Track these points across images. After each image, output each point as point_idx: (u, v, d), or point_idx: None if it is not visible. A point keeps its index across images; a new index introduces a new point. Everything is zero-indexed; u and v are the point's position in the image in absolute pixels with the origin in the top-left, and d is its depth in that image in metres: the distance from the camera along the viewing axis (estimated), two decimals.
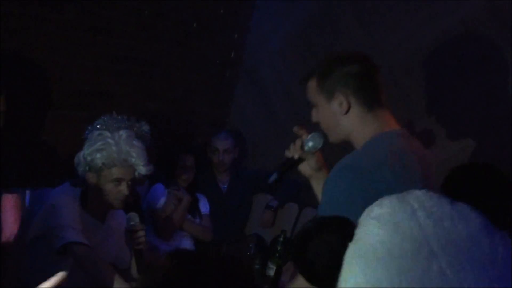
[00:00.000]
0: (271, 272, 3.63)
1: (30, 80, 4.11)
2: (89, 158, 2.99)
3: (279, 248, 3.70)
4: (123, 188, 3.01)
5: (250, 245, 3.76)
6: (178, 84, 5.12)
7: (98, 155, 2.97)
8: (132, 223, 3.03)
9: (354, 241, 1.15)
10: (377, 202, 1.17)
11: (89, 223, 3.06)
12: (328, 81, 2.17)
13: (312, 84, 2.23)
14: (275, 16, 5.43)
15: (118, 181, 3.00)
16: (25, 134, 4.13)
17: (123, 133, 3.05)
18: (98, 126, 3.26)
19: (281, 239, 3.74)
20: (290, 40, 5.37)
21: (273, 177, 2.47)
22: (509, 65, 4.20)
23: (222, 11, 5.23)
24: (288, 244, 4.16)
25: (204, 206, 4.70)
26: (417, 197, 1.13)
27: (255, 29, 5.53)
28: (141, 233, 3.03)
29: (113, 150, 2.97)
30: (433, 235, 1.07)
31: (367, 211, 1.17)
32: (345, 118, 2.17)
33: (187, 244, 4.48)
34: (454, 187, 1.19)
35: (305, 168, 2.48)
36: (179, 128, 5.24)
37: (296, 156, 2.43)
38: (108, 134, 3.03)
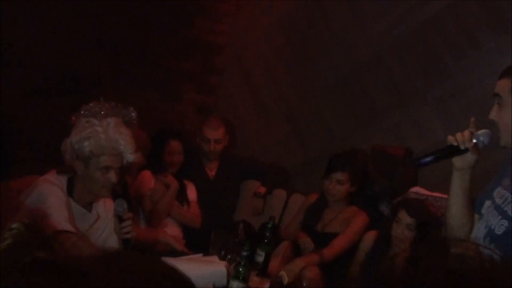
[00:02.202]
0: (260, 258, 3.62)
1: (18, 66, 4.06)
2: (76, 146, 2.96)
3: (267, 235, 3.69)
4: (111, 176, 2.98)
5: (239, 232, 3.74)
6: (165, 70, 5.09)
7: (86, 143, 2.93)
8: (119, 209, 3.00)
9: None
10: None
11: (76, 211, 3.04)
12: None
13: (506, 83, 2.18)
14: (263, 1, 5.39)
15: (106, 169, 2.97)
16: (12, 121, 4.09)
17: (111, 121, 3.02)
18: (85, 113, 3.22)
19: (270, 225, 3.74)
20: (278, 25, 5.35)
21: (428, 159, 2.36)
22: (496, 49, 4.21)
23: None
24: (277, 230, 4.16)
25: (191, 193, 4.68)
26: None
27: (243, 14, 5.50)
28: (128, 222, 3.00)
29: (101, 138, 2.94)
30: None
31: None
32: None
33: (175, 231, 4.46)
34: None
35: (458, 160, 2.36)
36: (167, 114, 5.21)
37: (463, 147, 2.32)
38: (96, 121, 3.00)
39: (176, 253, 3.80)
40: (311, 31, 5.14)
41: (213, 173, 5.00)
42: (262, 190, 4.95)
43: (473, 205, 2.43)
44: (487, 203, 2.31)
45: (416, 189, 4.07)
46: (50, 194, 2.94)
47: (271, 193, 5.02)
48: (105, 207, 3.17)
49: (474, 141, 2.31)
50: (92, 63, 4.51)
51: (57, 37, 4.24)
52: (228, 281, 3.07)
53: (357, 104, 4.90)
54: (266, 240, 3.66)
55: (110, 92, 4.50)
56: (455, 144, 2.33)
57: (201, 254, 3.47)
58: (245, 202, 5.06)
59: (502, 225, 2.19)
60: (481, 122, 4.17)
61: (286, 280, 3.45)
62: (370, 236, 3.87)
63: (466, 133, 2.32)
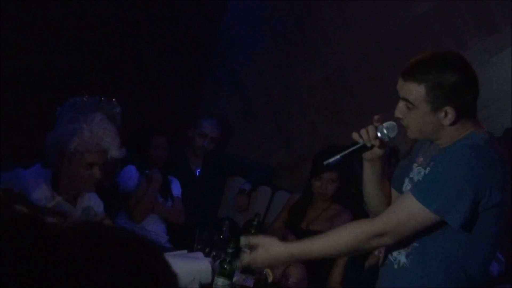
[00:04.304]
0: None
1: (2, 58, 4.02)
2: (61, 142, 2.93)
3: (252, 232, 3.68)
4: (95, 172, 2.96)
5: (224, 229, 3.73)
6: (150, 65, 5.06)
7: (71, 140, 2.91)
8: (88, 218, 2.95)
9: None
10: None
11: (61, 205, 3.01)
12: (438, 92, 2.16)
13: (419, 90, 2.18)
14: None
15: (91, 165, 2.95)
16: None
17: (95, 117, 2.99)
18: (69, 108, 3.17)
19: (255, 222, 3.72)
20: (264, 23, 5.33)
21: (336, 159, 2.37)
22: (483, 49, 4.23)
23: None
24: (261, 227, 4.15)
25: (176, 189, 4.66)
26: None
27: (228, 12, 5.48)
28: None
29: (86, 135, 2.91)
30: None
31: None
32: (444, 128, 2.21)
33: (159, 227, 4.44)
34: None
35: (368, 153, 2.39)
36: (152, 109, 5.19)
37: (369, 144, 2.33)
38: (80, 117, 2.97)
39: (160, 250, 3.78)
40: (298, 30, 5.14)
41: (198, 169, 4.99)
42: (247, 186, 4.95)
43: (389, 183, 2.51)
44: (406, 181, 2.38)
45: None
46: (34, 188, 2.91)
47: (256, 190, 5.02)
48: (90, 202, 3.15)
49: (379, 135, 2.32)
50: (77, 57, 4.48)
51: (38, 30, 4.19)
52: (213, 278, 3.05)
53: (343, 103, 4.90)
54: (251, 237, 3.65)
55: (94, 87, 4.47)
56: (361, 141, 2.34)
57: (185, 251, 3.45)
58: (230, 199, 5.06)
59: None
60: None
61: (270, 278, 3.44)
62: None
63: (371, 129, 2.33)
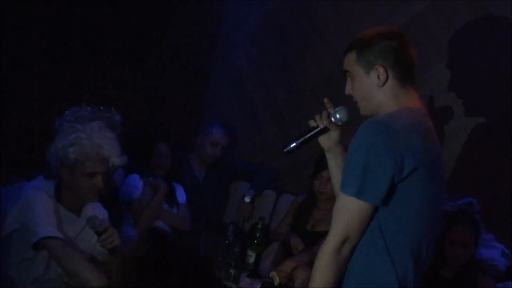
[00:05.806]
0: (251, 259, 3.62)
1: (2, 70, 4.03)
2: (61, 153, 2.93)
3: (257, 235, 3.69)
4: (98, 181, 2.96)
5: (229, 234, 3.73)
6: (151, 73, 5.07)
7: (71, 150, 2.90)
8: (92, 226, 2.93)
9: None
10: None
11: (65, 216, 3.01)
12: (368, 53, 2.30)
13: (351, 56, 2.34)
14: (249, 2, 5.39)
15: (92, 175, 2.95)
16: None
17: (94, 125, 2.99)
18: (68, 119, 3.18)
19: (260, 226, 3.73)
20: (264, 27, 5.34)
21: (293, 145, 2.51)
22: (479, 47, 4.23)
23: None
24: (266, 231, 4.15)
25: (181, 196, 4.67)
26: None
27: (228, 16, 5.49)
28: (106, 234, 2.93)
29: (85, 144, 2.91)
30: None
31: None
32: (380, 90, 2.30)
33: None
34: None
35: (325, 140, 2.54)
36: (154, 116, 5.19)
37: (322, 125, 2.49)
38: (79, 127, 2.96)
39: None
40: (296, 32, 5.15)
41: (203, 175, 4.99)
42: (251, 193, 4.95)
43: None
44: None
45: None
46: (38, 200, 2.91)
47: (260, 194, 5.02)
48: (94, 211, 3.15)
49: (334, 118, 2.48)
50: (77, 66, 4.49)
51: (37, 41, 4.21)
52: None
53: (344, 105, 4.90)
54: (256, 241, 3.66)
55: (95, 96, 4.48)
56: (315, 125, 2.50)
57: None
58: (235, 204, 5.05)
59: None
60: (468, 117, 4.20)
61: (277, 281, 3.44)
62: None
63: (324, 113, 2.50)
